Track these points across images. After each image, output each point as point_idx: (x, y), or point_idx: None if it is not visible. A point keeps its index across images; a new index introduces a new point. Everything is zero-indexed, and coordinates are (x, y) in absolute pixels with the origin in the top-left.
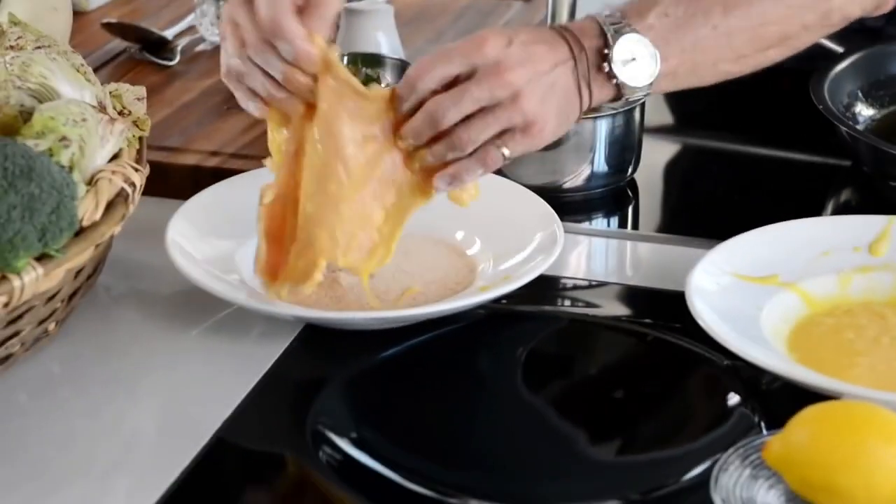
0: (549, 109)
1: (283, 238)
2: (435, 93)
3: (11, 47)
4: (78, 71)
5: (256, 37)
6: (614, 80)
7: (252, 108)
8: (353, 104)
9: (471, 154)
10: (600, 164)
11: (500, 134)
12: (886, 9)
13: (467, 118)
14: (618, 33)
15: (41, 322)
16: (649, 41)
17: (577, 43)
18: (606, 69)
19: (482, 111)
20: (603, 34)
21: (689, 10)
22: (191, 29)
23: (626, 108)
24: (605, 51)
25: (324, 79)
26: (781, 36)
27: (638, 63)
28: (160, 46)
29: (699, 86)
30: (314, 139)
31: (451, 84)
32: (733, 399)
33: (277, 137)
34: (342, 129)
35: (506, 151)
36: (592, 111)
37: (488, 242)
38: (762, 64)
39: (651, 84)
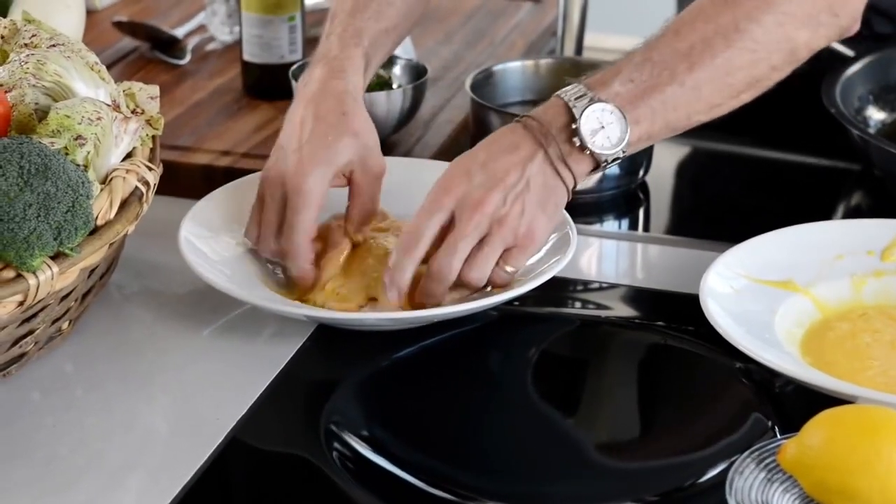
0: (535, 212)
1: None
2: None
3: (26, 45)
4: (92, 69)
5: (271, 234)
6: (587, 151)
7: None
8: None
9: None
10: (612, 167)
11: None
12: (852, 33)
13: (468, 258)
14: (582, 107)
15: (55, 321)
16: (615, 106)
17: (542, 129)
18: (577, 143)
19: (478, 246)
20: (568, 110)
21: (654, 72)
22: (201, 28)
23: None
24: (573, 125)
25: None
26: (750, 80)
27: (606, 130)
28: (170, 45)
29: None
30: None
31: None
32: (747, 402)
33: None
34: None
35: (509, 269)
36: None
37: None
38: (735, 107)
39: (625, 148)
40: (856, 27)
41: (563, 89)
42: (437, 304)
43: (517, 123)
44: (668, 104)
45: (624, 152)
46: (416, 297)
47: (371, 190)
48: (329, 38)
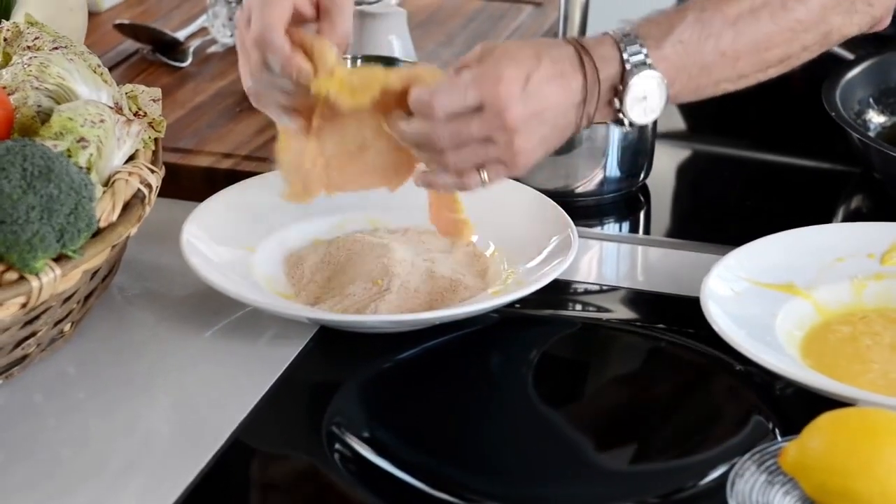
0: (537, 145)
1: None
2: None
3: (29, 48)
4: (95, 72)
5: (256, 57)
6: (619, 114)
7: (288, 122)
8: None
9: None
10: (613, 169)
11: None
12: (882, 26)
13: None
14: (635, 68)
15: (57, 323)
16: (662, 76)
17: (593, 74)
18: (617, 105)
19: (475, 142)
20: (621, 64)
21: (704, 34)
22: (203, 30)
23: None
24: (619, 86)
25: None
26: (782, 57)
27: (648, 101)
28: (172, 48)
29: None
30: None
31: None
32: (747, 405)
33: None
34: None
35: (485, 176)
36: None
37: (502, 246)
38: (759, 80)
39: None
40: (887, 20)
41: (618, 31)
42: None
43: (570, 47)
44: (705, 70)
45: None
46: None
47: (345, 11)
48: None
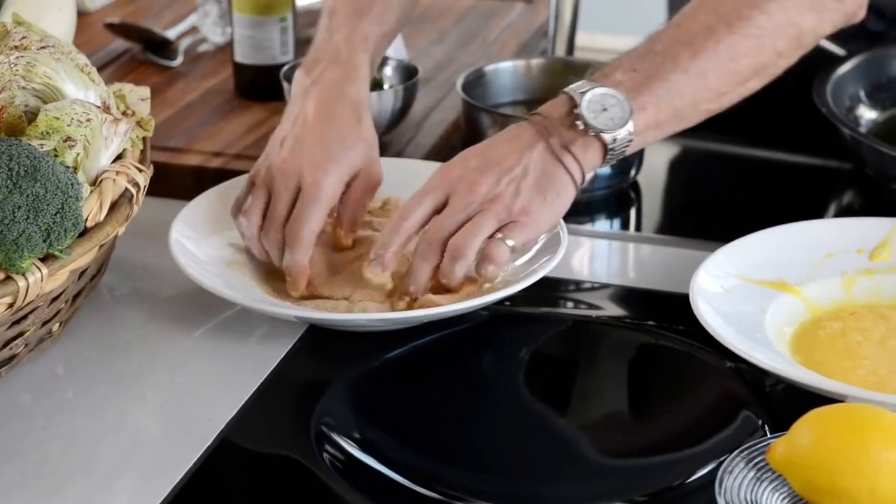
0: (532, 195)
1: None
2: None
3: (16, 47)
4: (82, 71)
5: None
6: (591, 133)
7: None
8: None
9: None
10: (618, 157)
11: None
12: (857, 19)
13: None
14: (584, 93)
15: (45, 323)
16: (617, 91)
17: (544, 121)
18: (581, 126)
19: (468, 221)
20: (570, 99)
21: (657, 61)
22: (193, 29)
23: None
24: (575, 110)
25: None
26: (756, 67)
27: (609, 112)
28: (162, 46)
29: (686, 128)
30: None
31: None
32: (737, 401)
33: None
34: None
35: (509, 242)
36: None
37: None
38: (744, 95)
39: (633, 135)
40: (861, 14)
41: (568, 87)
42: (419, 291)
43: (523, 121)
44: (674, 91)
45: (632, 139)
46: (404, 283)
47: (365, 199)
48: (333, 37)
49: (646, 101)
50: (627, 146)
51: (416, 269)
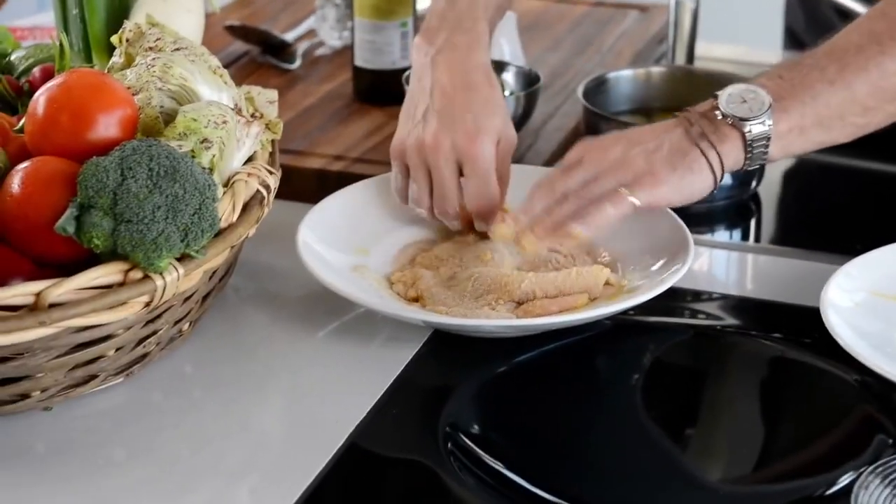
0: (661, 164)
1: None
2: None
3: (150, 48)
4: (215, 73)
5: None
6: (729, 121)
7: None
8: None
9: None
10: (725, 177)
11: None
12: None
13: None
14: (726, 90)
15: (177, 322)
16: (758, 87)
17: (686, 115)
18: (719, 115)
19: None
20: (715, 97)
21: (803, 71)
22: (310, 32)
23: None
24: (715, 101)
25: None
26: None
27: (748, 104)
28: (281, 49)
29: (833, 143)
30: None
31: None
32: (868, 418)
33: None
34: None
35: (631, 198)
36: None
37: (617, 253)
38: (892, 113)
39: (770, 124)
40: None
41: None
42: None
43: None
44: (819, 99)
45: (769, 136)
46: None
47: (509, 161)
48: (455, 4)
49: (789, 105)
50: (767, 144)
51: (531, 203)
